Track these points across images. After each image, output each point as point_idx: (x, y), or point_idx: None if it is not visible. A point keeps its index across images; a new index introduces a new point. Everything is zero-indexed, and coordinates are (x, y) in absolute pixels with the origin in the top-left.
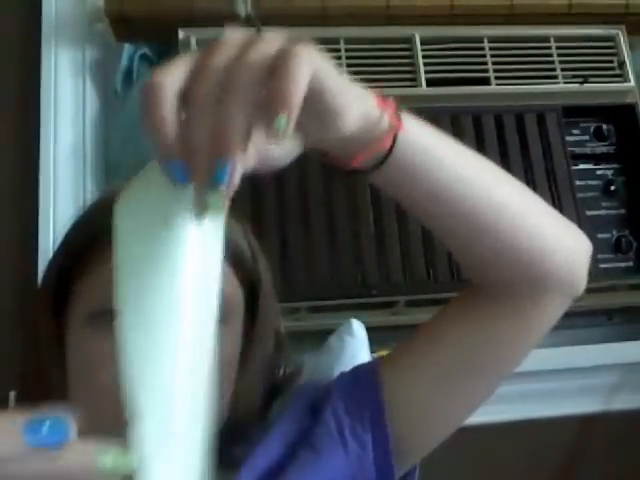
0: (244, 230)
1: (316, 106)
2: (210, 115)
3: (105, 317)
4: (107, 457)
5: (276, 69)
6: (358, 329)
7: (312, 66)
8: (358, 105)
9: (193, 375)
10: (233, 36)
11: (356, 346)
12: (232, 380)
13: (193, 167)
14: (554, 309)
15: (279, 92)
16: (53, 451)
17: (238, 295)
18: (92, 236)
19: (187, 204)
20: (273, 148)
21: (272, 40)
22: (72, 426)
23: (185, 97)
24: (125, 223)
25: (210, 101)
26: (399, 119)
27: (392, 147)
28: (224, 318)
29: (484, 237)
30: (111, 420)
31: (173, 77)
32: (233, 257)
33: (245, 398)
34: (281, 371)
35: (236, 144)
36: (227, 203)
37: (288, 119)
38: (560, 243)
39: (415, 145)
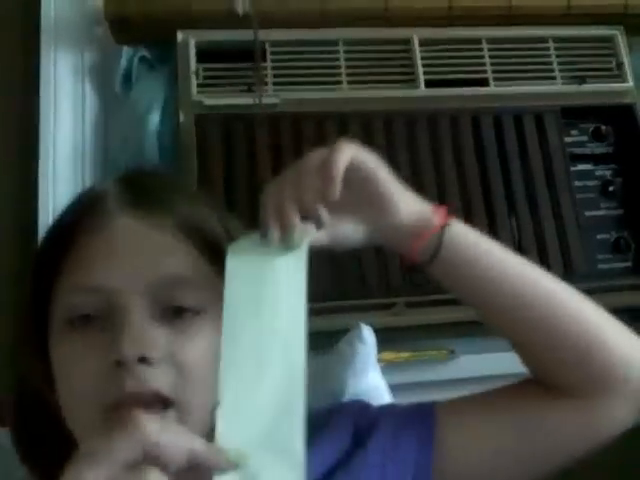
0: (220, 216)
1: (364, 190)
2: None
3: (81, 321)
4: None
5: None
6: (368, 335)
7: (350, 152)
8: (413, 202)
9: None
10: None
11: (366, 353)
12: (207, 386)
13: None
14: (617, 413)
15: (325, 170)
16: None
17: (205, 277)
18: (66, 241)
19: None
20: (341, 228)
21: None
22: None
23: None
24: (235, 268)
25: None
26: (448, 215)
27: (442, 237)
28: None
29: (551, 340)
30: (91, 427)
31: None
32: (202, 240)
33: None
34: None
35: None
36: (306, 242)
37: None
38: (620, 342)
39: (463, 235)
